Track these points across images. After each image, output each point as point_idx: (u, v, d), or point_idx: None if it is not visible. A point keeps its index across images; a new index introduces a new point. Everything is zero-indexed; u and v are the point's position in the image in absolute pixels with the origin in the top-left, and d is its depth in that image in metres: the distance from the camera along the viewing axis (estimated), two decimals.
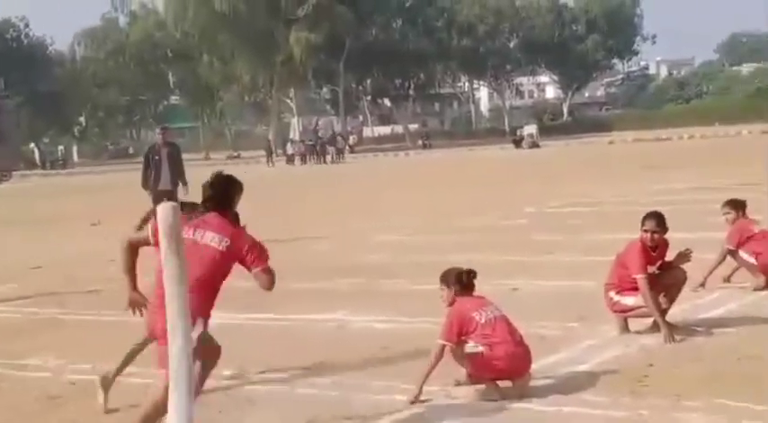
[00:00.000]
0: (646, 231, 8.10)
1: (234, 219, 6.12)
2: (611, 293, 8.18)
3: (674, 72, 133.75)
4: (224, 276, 5.94)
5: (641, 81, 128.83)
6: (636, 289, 7.95)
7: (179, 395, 5.02)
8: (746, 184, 21.04)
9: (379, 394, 6.70)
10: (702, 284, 9.59)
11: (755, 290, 9.61)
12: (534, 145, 60.58)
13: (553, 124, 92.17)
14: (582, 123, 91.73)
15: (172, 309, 4.99)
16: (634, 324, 8.18)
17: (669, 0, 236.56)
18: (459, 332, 6.50)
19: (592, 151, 51.15)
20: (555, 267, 11.99)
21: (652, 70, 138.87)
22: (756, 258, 9.67)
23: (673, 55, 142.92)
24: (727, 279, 10.00)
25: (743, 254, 9.73)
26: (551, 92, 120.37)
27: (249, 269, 5.93)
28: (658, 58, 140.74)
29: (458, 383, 6.73)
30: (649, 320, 8.04)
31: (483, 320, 6.52)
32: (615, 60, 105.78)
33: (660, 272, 8.10)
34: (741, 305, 9.04)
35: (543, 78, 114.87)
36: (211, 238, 5.83)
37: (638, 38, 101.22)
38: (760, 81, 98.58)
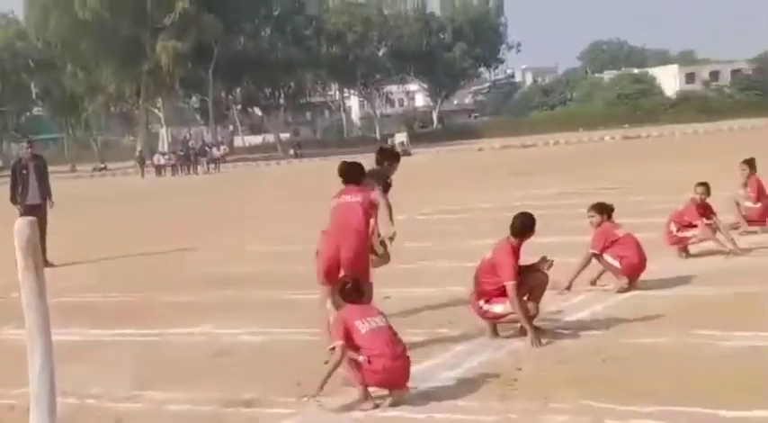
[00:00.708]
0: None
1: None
2: (480, 302, 8.27)
3: (539, 79, 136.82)
4: (367, 223, 8.39)
5: (508, 88, 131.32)
6: (503, 295, 8.06)
7: (40, 414, 4.86)
8: (610, 188, 21.73)
9: (251, 407, 6.63)
10: (568, 288, 9.80)
11: (619, 292, 9.87)
12: (405, 153, 60.98)
13: (423, 132, 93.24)
14: (452, 131, 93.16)
15: (30, 321, 4.82)
16: (503, 328, 8.31)
17: (532, 9, 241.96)
18: (345, 333, 6.51)
19: (462, 158, 51.91)
20: (426, 274, 12.10)
21: (518, 78, 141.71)
22: (620, 261, 9.95)
23: (537, 63, 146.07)
24: (594, 282, 10.24)
25: (607, 257, 9.99)
26: (421, 100, 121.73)
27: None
28: (523, 66, 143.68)
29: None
30: (518, 324, 8.17)
31: (364, 331, 6.53)
32: (482, 68, 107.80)
33: (524, 274, 8.22)
34: (605, 307, 9.28)
35: (413, 86, 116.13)
36: (353, 197, 8.35)
37: (504, 46, 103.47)
38: (621, 88, 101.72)
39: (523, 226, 8.30)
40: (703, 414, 5.82)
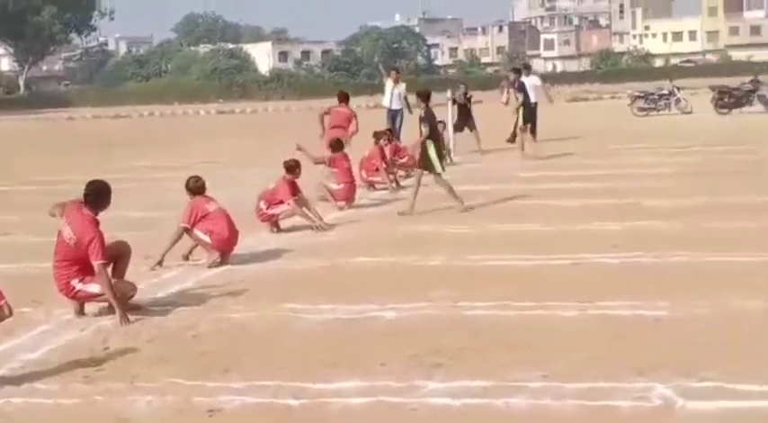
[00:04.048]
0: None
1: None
2: (74, 282, 7.81)
3: (134, 49, 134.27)
4: None
5: (100, 57, 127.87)
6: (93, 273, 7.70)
7: None
8: (206, 161, 21.75)
9: None
10: (160, 263, 9.65)
11: (211, 266, 9.83)
12: None
13: (9, 98, 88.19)
14: (40, 98, 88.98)
15: None
16: (90, 306, 7.99)
17: None
18: None
19: (50, 128, 49.65)
20: (12, 249, 11.40)
21: (111, 46, 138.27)
22: (210, 236, 9.89)
23: (131, 32, 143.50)
24: (186, 257, 10.13)
25: (197, 232, 9.88)
26: (6, 64, 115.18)
27: None
28: (117, 35, 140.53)
29: None
30: (105, 303, 7.88)
31: None
32: (73, 34, 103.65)
33: (108, 245, 7.93)
34: (197, 282, 9.20)
35: None
36: None
37: (96, 13, 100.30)
38: (216, 62, 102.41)
39: (97, 196, 7.99)
40: (290, 387, 5.90)
